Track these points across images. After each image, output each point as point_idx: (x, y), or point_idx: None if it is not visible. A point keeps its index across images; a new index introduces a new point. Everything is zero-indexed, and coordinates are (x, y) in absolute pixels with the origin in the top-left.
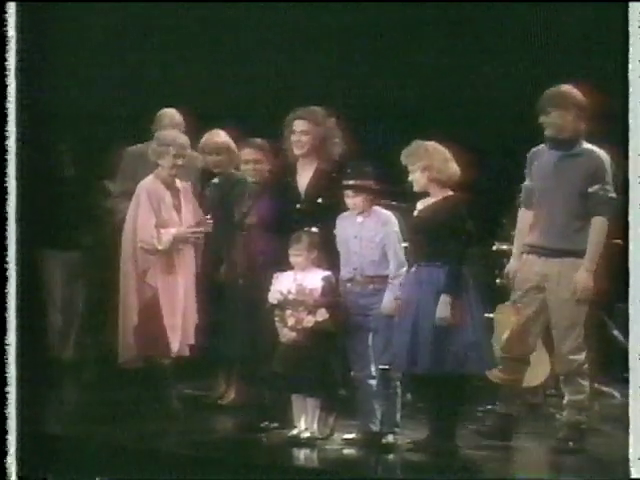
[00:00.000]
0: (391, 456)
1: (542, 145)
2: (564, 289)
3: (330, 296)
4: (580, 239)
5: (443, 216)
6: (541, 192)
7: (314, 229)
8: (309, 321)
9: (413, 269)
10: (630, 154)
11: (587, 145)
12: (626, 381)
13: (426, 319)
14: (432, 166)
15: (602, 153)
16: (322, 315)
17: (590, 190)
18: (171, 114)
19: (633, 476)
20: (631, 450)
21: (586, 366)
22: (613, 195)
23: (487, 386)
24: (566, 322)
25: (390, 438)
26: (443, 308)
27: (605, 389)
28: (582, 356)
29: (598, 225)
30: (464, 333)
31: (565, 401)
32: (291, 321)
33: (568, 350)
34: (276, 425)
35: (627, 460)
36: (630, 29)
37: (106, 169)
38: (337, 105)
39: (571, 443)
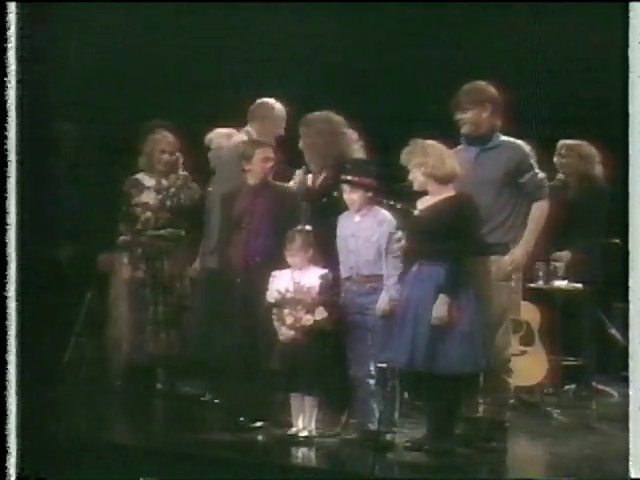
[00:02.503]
0: (389, 455)
1: (460, 146)
2: (489, 285)
3: (328, 294)
4: (501, 234)
5: (445, 216)
6: (466, 187)
7: (308, 227)
8: (308, 320)
9: (414, 268)
10: (630, 153)
11: (504, 137)
12: (624, 380)
13: (425, 318)
14: (427, 163)
15: (521, 143)
16: (321, 314)
17: (522, 180)
18: (268, 106)
19: (633, 476)
20: (631, 450)
21: (511, 363)
22: (544, 178)
23: None
24: (493, 318)
25: (388, 437)
26: (440, 308)
27: (603, 388)
28: (508, 353)
29: (540, 208)
30: (462, 332)
31: (488, 398)
32: (289, 320)
33: (496, 346)
34: (274, 424)
35: (626, 460)
36: (630, 29)
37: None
38: (340, 106)
39: (494, 443)
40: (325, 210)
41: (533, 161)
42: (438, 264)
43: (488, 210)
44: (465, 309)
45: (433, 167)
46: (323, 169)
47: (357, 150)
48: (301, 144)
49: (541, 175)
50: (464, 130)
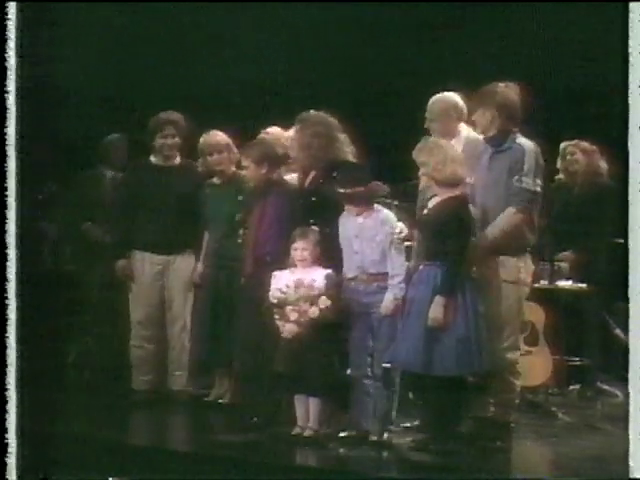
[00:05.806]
0: (390, 455)
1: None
2: (495, 286)
3: (332, 290)
4: None
5: (444, 215)
6: (479, 189)
7: (314, 227)
8: (313, 312)
9: (420, 268)
10: (630, 154)
11: (519, 139)
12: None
13: (423, 319)
14: (429, 164)
15: (528, 145)
16: (324, 302)
17: (511, 182)
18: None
19: (633, 476)
20: (631, 449)
21: (518, 365)
22: (528, 187)
23: None
24: (499, 319)
25: (389, 437)
26: (435, 309)
27: (608, 388)
28: (516, 355)
29: (506, 214)
30: (458, 334)
31: (494, 399)
32: (294, 315)
33: (503, 347)
34: (277, 424)
35: (627, 459)
36: (630, 29)
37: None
38: (338, 104)
39: (499, 442)
40: (316, 209)
41: (527, 165)
42: (436, 265)
43: (495, 212)
44: (462, 311)
45: (434, 169)
46: (312, 169)
47: (349, 155)
48: (292, 140)
49: (526, 183)
50: (477, 131)
